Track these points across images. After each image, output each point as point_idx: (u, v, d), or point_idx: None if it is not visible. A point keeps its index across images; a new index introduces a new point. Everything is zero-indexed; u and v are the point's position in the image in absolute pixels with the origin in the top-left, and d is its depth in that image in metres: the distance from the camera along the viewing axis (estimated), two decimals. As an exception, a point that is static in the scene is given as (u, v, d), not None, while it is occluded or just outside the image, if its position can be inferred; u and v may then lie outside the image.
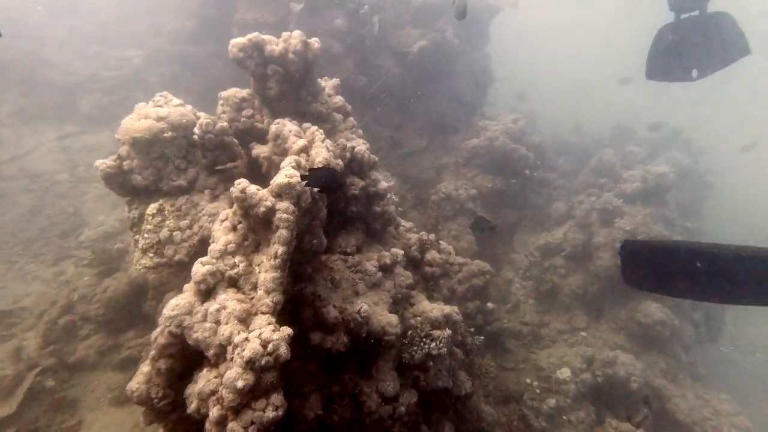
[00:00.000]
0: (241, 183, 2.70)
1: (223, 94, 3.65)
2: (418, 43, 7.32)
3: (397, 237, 4.78)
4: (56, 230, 6.00)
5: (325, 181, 2.87)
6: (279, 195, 2.77)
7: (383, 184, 4.03)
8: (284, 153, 3.50)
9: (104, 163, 3.04)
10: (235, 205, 2.82)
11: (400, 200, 7.47)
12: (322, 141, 3.24)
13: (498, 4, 8.71)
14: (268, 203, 2.68)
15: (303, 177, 2.74)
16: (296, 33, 3.67)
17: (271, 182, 2.80)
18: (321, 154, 3.14)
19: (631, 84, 12.93)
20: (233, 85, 8.60)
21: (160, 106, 3.29)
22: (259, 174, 3.79)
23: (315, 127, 3.34)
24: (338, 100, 4.36)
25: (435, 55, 7.66)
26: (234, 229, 2.86)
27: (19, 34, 10.03)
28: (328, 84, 4.47)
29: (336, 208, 3.94)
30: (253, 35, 3.55)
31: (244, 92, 3.75)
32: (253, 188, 2.71)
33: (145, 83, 9.12)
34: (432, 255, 4.57)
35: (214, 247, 2.77)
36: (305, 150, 3.26)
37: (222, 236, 2.80)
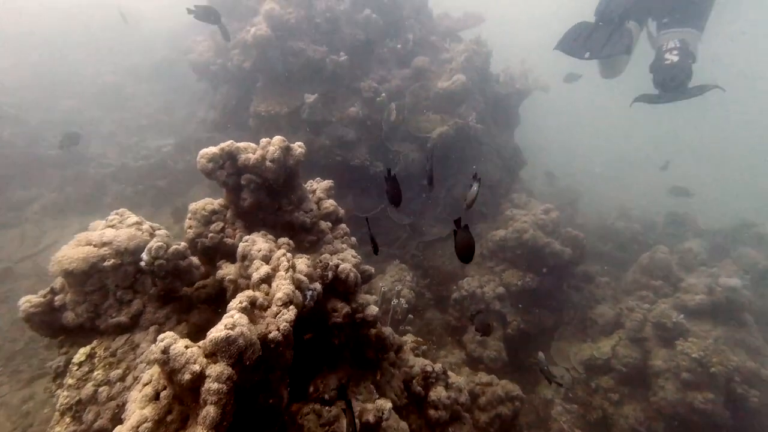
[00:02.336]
0: (165, 339, 2.08)
1: (192, 206, 3.22)
2: (438, 129, 6.95)
3: (397, 364, 3.94)
4: (45, 339, 5.63)
5: None
6: (213, 354, 2.12)
7: (372, 310, 3.31)
8: (250, 278, 2.93)
9: (28, 301, 2.56)
10: (159, 366, 2.19)
11: (417, 297, 6.64)
12: (287, 270, 2.63)
13: (527, 88, 8.38)
14: (195, 368, 2.02)
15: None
16: (276, 139, 3.27)
17: (208, 334, 2.18)
18: (282, 288, 2.51)
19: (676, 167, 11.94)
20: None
21: (113, 226, 2.86)
22: (230, 297, 3.22)
23: (281, 251, 2.76)
24: (329, 204, 3.84)
25: (457, 141, 7.24)
26: (156, 397, 2.20)
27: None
28: (320, 186, 4.00)
29: (317, 336, 3.24)
30: (226, 144, 3.16)
31: (216, 203, 3.31)
32: (179, 346, 2.07)
33: (172, 171, 9.30)
34: (437, 393, 3.66)
35: (122, 430, 2.08)
36: (267, 280, 2.66)
37: (137, 410, 2.13)
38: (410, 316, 5.38)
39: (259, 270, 2.66)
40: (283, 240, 3.22)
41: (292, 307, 2.48)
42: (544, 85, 8.58)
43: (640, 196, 13.42)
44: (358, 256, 3.62)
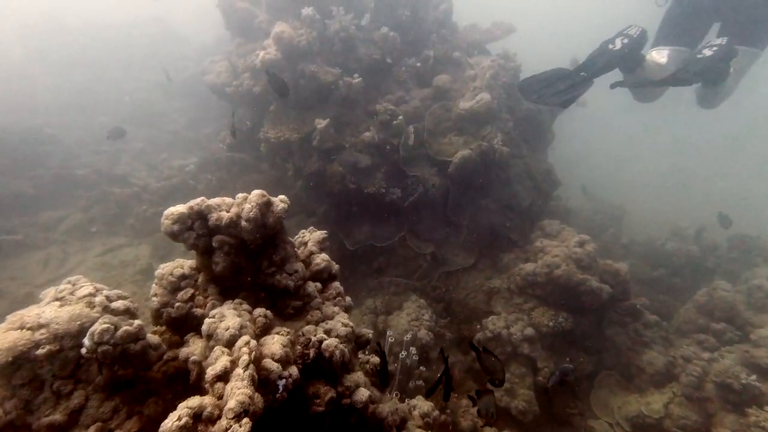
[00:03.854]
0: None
1: (159, 271, 2.87)
2: (460, 153, 6.38)
3: (400, 444, 3.42)
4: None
5: None
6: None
7: (363, 394, 2.82)
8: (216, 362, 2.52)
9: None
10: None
11: (437, 339, 6.08)
12: (246, 366, 2.19)
13: (560, 102, 7.59)
14: None
15: None
16: (254, 194, 2.86)
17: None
18: (236, 395, 2.07)
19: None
20: (273, 188, 8.24)
21: (62, 298, 2.55)
22: (194, 381, 2.83)
23: (244, 339, 2.34)
24: (321, 259, 3.39)
25: (482, 164, 6.62)
26: None
27: (99, 151, 11.13)
28: (312, 237, 3.56)
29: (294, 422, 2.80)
30: (196, 201, 2.79)
31: (187, 266, 2.94)
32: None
33: (193, 191, 9.25)
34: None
35: None
36: (225, 377, 2.24)
37: None
38: (422, 368, 4.84)
39: (216, 364, 2.23)
40: (260, 312, 2.80)
41: (246, 420, 2.03)
42: (580, 100, 7.73)
43: (696, 213, 12.07)
44: (350, 324, 3.14)
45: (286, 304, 3.14)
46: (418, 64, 6.79)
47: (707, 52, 3.76)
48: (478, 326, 6.26)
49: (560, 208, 9.71)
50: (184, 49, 16.54)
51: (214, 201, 2.89)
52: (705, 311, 6.07)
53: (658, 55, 4.60)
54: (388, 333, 4.70)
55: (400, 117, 6.33)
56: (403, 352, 4.52)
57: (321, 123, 5.95)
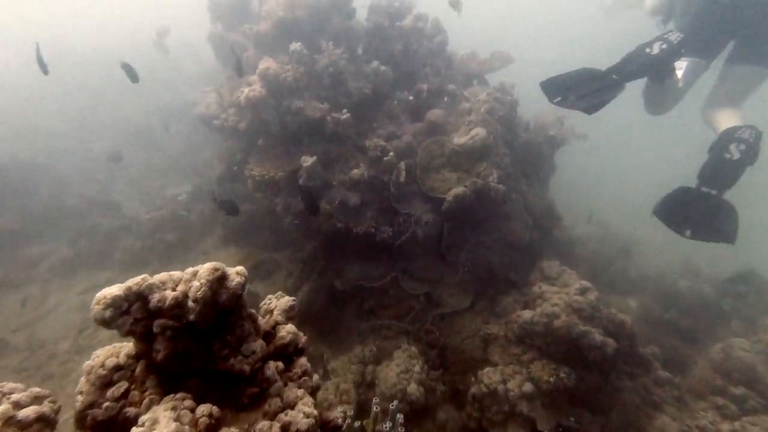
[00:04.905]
0: None
1: (89, 363, 2.50)
2: (454, 191, 6.05)
3: None
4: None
5: None
6: None
7: (322, 508, 2.42)
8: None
9: None
10: None
11: (427, 394, 5.64)
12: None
13: (562, 136, 7.27)
14: None
15: None
16: (205, 269, 2.51)
17: None
18: None
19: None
20: (265, 219, 7.89)
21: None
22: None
23: (171, 461, 1.96)
24: (286, 332, 3.00)
25: (477, 201, 6.27)
26: None
27: (93, 179, 10.97)
28: (279, 304, 3.19)
29: None
30: (135, 281, 2.44)
31: (123, 355, 2.58)
32: None
33: (183, 222, 8.99)
34: None
35: None
36: None
37: None
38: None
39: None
40: (203, 410, 2.41)
41: None
42: (581, 133, 7.43)
43: (710, 245, 11.53)
44: (314, 412, 2.75)
45: (241, 392, 2.77)
46: (411, 98, 6.54)
47: (735, 153, 3.63)
48: (473, 378, 5.81)
49: (564, 238, 9.28)
50: (192, 70, 16.53)
51: (159, 278, 2.55)
52: (722, 371, 5.57)
53: (677, 66, 4.49)
54: (374, 400, 4.30)
55: (391, 153, 6.03)
56: (387, 424, 4.11)
57: (307, 161, 5.67)
